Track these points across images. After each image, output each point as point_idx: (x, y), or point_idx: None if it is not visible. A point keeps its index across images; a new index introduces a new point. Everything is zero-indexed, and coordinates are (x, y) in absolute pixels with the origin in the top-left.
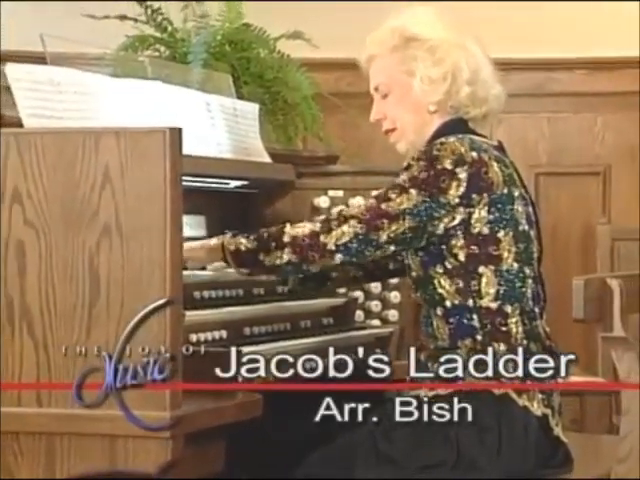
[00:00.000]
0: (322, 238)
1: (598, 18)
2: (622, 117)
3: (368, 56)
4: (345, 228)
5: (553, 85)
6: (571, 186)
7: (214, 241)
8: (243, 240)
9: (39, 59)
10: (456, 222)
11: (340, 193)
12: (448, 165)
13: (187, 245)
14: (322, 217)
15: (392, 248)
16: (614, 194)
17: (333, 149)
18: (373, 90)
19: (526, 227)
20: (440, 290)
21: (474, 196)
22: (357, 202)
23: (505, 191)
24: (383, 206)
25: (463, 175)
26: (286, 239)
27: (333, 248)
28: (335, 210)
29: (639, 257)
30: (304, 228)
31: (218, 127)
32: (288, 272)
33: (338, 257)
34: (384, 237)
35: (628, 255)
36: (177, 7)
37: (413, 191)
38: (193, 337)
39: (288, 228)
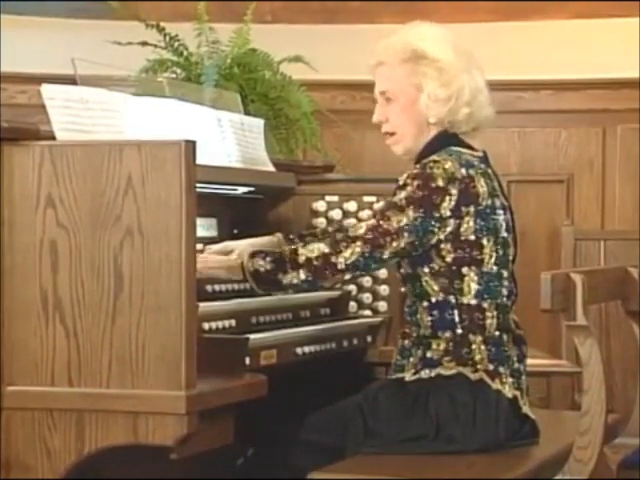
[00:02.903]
0: (333, 259)
1: (562, 45)
2: (583, 132)
3: (377, 61)
4: (352, 249)
5: (522, 103)
6: (538, 192)
7: (233, 261)
8: (261, 262)
9: (70, 80)
10: (447, 232)
11: (335, 198)
12: (441, 183)
13: (205, 264)
14: (329, 238)
15: (393, 261)
16: (576, 199)
17: (329, 159)
18: (378, 93)
19: (505, 234)
20: (426, 287)
21: (463, 208)
22: (353, 208)
23: (489, 203)
24: (384, 225)
25: (454, 191)
26: (301, 260)
27: (343, 267)
28: (333, 214)
29: (598, 254)
30: (315, 250)
31: (228, 140)
32: (303, 289)
33: (348, 274)
34: (387, 254)
35: (589, 253)
36: (192, 34)
37: (410, 209)
38: (206, 325)
39: (301, 250)
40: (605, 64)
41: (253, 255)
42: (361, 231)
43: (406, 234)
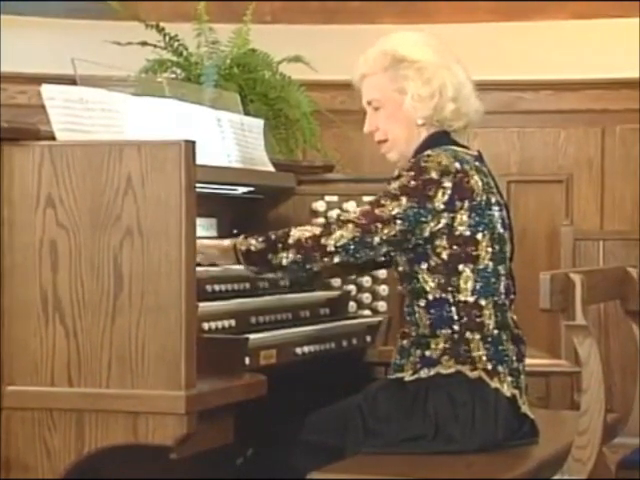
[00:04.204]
0: (323, 241)
1: (562, 45)
2: (582, 132)
3: (360, 74)
4: (343, 232)
5: (522, 104)
6: (538, 192)
7: (227, 242)
8: (253, 241)
9: (70, 81)
10: (441, 226)
11: (335, 198)
12: (435, 175)
13: (201, 243)
14: (323, 221)
15: (384, 249)
16: (575, 199)
17: (329, 159)
18: (366, 104)
19: (501, 230)
20: (423, 284)
21: (457, 203)
22: (353, 207)
23: (484, 198)
24: (377, 211)
25: (448, 184)
26: (291, 241)
27: (333, 250)
28: (333, 213)
29: (597, 254)
30: (307, 231)
31: (228, 140)
32: (292, 270)
33: (337, 258)
34: (377, 239)
35: (588, 253)
36: (191, 34)
37: (403, 198)
38: (205, 325)
39: (293, 231)
40: (605, 64)
41: (245, 237)
42: (353, 216)
43: (398, 221)
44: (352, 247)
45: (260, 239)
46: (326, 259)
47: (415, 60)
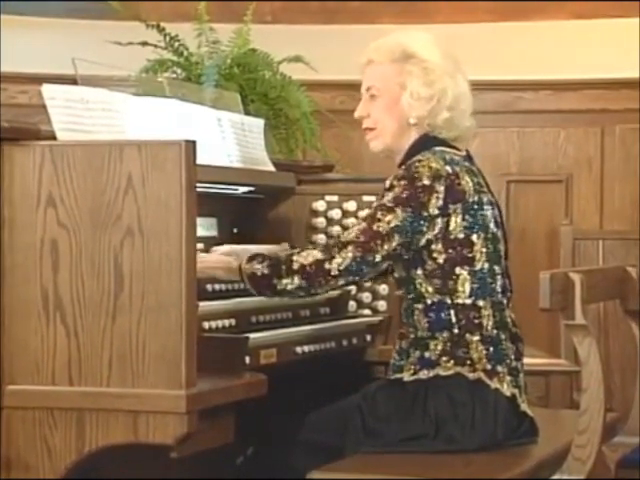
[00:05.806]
0: (326, 265)
1: (562, 45)
2: (582, 132)
3: (368, 59)
4: (344, 254)
5: (522, 103)
6: (538, 192)
7: (233, 263)
8: (258, 266)
9: (71, 80)
10: (436, 231)
11: (335, 198)
12: (426, 181)
13: (206, 264)
14: (323, 243)
15: (386, 264)
16: (575, 199)
17: (329, 159)
18: (364, 90)
19: (495, 229)
20: (421, 289)
21: (450, 206)
22: (353, 207)
23: (476, 198)
24: (374, 227)
25: (440, 188)
26: (295, 267)
27: (336, 273)
28: (333, 213)
29: (597, 254)
30: (309, 257)
31: (228, 140)
32: (297, 295)
33: (341, 280)
34: (379, 257)
35: (587, 252)
36: (192, 34)
37: (398, 209)
38: (206, 325)
39: (295, 257)
40: (605, 64)
41: (251, 258)
42: (352, 235)
43: (396, 235)
44: (355, 268)
45: (265, 263)
46: (331, 282)
47: (424, 59)
